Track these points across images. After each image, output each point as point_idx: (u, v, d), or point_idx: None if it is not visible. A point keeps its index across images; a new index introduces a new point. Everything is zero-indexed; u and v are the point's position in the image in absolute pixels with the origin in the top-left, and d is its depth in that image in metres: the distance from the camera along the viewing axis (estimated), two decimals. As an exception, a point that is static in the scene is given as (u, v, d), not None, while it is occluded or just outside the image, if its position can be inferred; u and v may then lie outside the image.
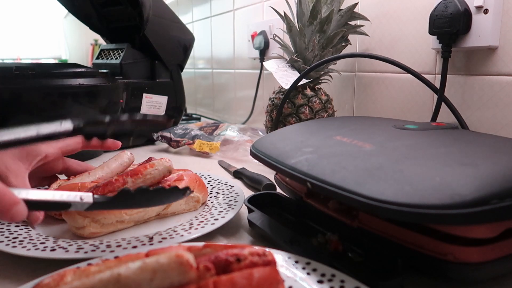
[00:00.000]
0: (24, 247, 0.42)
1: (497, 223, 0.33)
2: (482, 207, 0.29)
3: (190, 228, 0.47)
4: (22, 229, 0.47)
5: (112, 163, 0.58)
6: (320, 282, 0.33)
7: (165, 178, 0.53)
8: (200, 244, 0.33)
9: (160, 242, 0.43)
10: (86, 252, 0.40)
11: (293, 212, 0.51)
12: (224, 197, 0.56)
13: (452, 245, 0.33)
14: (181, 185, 0.53)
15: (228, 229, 0.50)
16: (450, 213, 0.29)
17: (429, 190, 0.30)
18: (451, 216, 0.29)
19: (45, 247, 0.42)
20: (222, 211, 0.51)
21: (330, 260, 0.36)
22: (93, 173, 0.57)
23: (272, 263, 0.29)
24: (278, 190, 0.60)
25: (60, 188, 0.54)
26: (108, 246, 0.42)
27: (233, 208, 0.51)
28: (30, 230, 0.47)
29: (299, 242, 0.41)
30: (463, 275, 0.33)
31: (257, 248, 0.30)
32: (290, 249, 0.40)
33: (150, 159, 0.57)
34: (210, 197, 0.58)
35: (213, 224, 0.47)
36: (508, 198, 0.30)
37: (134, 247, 0.42)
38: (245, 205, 0.50)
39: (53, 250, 0.41)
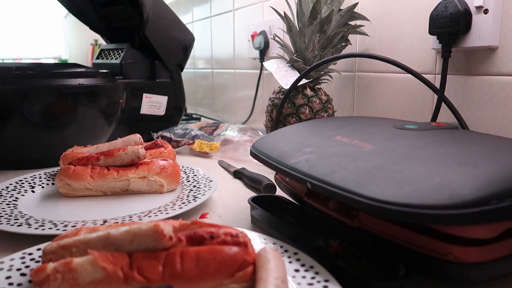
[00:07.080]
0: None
1: (497, 223, 0.33)
2: (482, 207, 0.29)
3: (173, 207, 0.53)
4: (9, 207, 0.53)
5: (119, 143, 0.66)
6: (296, 270, 0.35)
7: (135, 162, 0.61)
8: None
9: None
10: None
11: (295, 215, 0.51)
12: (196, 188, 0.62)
13: (452, 245, 0.33)
14: (146, 169, 0.60)
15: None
16: (450, 213, 0.29)
17: (429, 190, 0.30)
18: (451, 216, 0.29)
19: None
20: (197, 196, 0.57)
21: (330, 261, 0.36)
22: (100, 147, 0.66)
23: (242, 244, 0.31)
24: (278, 190, 0.60)
25: (63, 156, 0.65)
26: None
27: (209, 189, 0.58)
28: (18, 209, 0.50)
29: (300, 243, 0.41)
30: (463, 275, 0.33)
31: (233, 229, 0.32)
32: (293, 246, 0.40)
33: (156, 141, 0.71)
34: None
35: (190, 203, 0.53)
36: (508, 198, 0.30)
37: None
38: (249, 203, 0.51)
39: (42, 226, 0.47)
